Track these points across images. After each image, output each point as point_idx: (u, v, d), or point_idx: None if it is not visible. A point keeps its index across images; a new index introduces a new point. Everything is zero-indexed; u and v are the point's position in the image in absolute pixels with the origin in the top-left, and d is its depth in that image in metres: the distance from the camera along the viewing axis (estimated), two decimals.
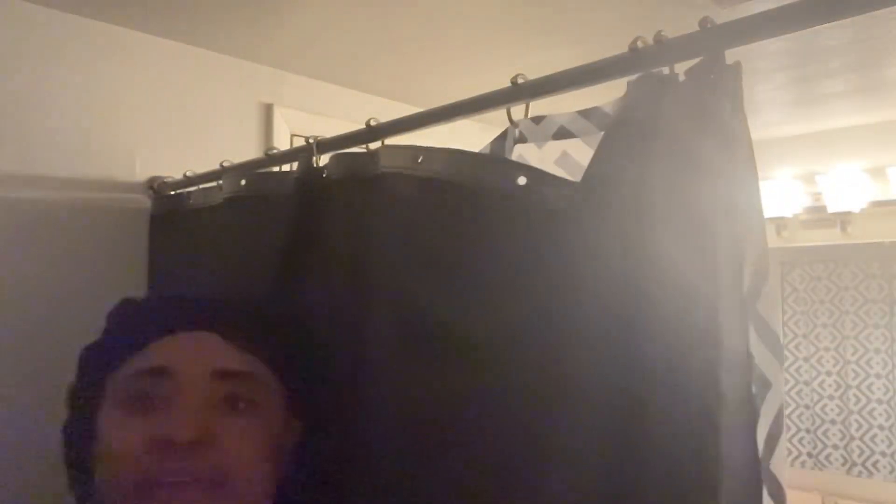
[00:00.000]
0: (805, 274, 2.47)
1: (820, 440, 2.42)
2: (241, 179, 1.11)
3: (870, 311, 2.33)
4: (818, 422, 2.42)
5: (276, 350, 0.76)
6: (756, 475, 0.61)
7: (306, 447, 0.79)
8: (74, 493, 0.79)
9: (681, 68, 0.68)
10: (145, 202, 1.36)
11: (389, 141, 0.97)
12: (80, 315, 1.26)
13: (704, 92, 0.64)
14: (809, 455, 2.43)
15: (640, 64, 0.71)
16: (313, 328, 0.88)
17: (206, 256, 1.17)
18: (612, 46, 0.75)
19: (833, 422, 2.39)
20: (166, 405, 0.68)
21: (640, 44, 0.71)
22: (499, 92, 0.87)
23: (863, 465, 2.33)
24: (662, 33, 0.69)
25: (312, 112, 1.66)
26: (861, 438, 2.33)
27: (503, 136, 1.05)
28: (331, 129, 1.11)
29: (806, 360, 2.46)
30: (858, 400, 2.35)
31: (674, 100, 0.65)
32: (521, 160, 1.04)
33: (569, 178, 0.77)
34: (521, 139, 1.04)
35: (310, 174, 1.01)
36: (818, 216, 2.43)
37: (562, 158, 1.01)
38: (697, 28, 0.66)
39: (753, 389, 0.62)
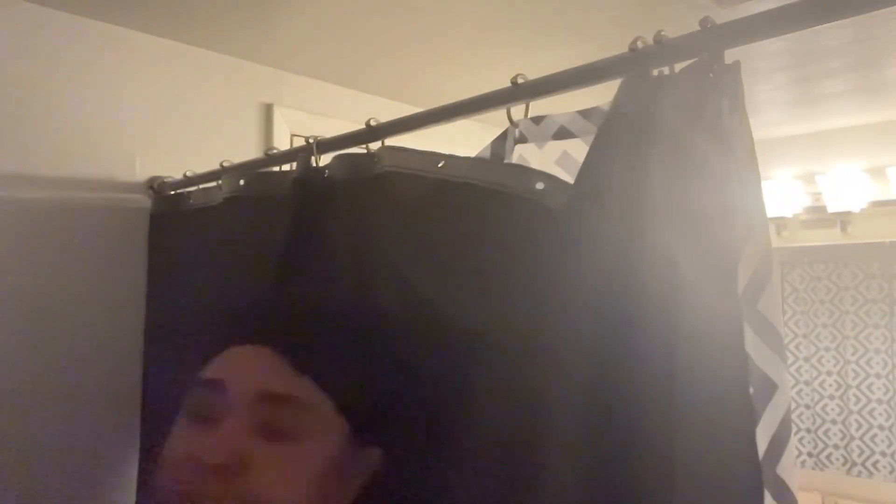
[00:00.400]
0: (805, 274, 2.47)
1: (820, 440, 2.42)
2: (240, 179, 1.11)
3: (870, 311, 2.33)
4: (818, 422, 2.42)
5: (336, 369, 0.69)
6: (756, 479, 0.59)
7: (382, 479, 0.71)
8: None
9: (681, 68, 0.68)
10: (145, 202, 1.36)
11: (389, 141, 0.97)
12: (80, 315, 1.27)
13: (702, 90, 0.64)
14: (810, 455, 2.43)
15: (640, 64, 0.71)
16: (387, 346, 0.79)
17: (206, 256, 1.17)
18: (612, 46, 0.75)
19: (833, 422, 2.39)
20: (214, 421, 0.66)
21: (640, 44, 0.71)
22: (499, 92, 0.87)
23: (863, 465, 2.33)
24: (662, 33, 0.69)
25: (312, 112, 1.66)
26: (861, 438, 2.33)
27: (503, 136, 1.06)
28: (331, 129, 1.11)
29: (806, 360, 2.45)
30: (858, 400, 2.34)
31: (669, 98, 0.65)
32: (521, 160, 1.04)
33: (569, 178, 0.77)
34: (522, 139, 1.05)
35: (310, 174, 1.01)
36: (818, 216, 2.43)
37: (562, 158, 1.01)
38: (697, 28, 0.66)
39: (751, 390, 0.62)
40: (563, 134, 1.01)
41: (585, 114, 0.97)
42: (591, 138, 0.81)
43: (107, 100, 1.33)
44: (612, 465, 0.63)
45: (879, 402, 2.30)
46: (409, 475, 0.73)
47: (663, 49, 0.69)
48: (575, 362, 0.67)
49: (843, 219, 2.38)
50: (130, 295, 1.31)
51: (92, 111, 1.31)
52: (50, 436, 1.21)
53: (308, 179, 1.01)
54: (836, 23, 0.59)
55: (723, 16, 0.71)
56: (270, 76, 1.60)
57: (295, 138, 1.61)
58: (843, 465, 2.36)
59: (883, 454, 2.29)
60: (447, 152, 0.85)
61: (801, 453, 2.45)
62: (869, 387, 2.33)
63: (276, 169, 1.14)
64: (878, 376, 2.31)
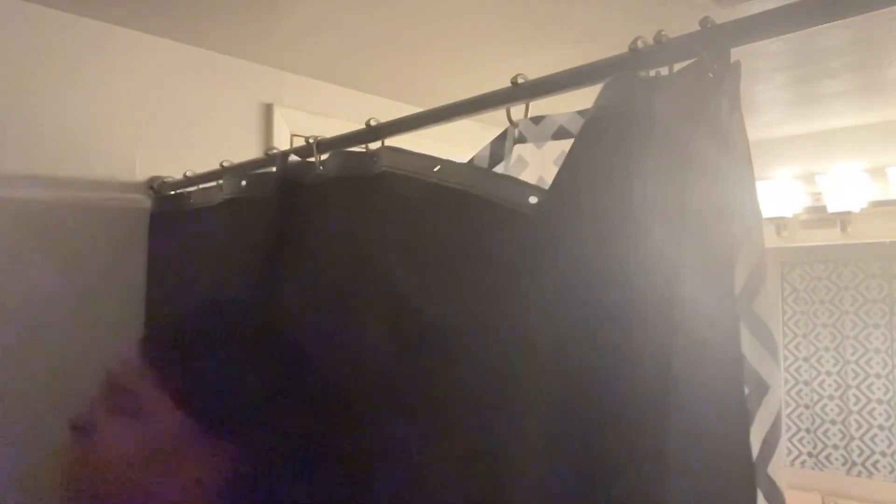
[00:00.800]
0: (805, 274, 2.47)
1: (820, 440, 2.42)
2: (240, 180, 1.12)
3: (870, 311, 2.33)
4: (818, 422, 2.42)
5: (178, 372, 0.85)
6: (749, 480, 0.60)
7: (243, 469, 0.83)
8: None
9: (680, 68, 0.68)
10: (145, 202, 1.36)
11: (389, 141, 0.97)
12: (80, 314, 1.27)
13: (702, 90, 0.64)
14: (809, 455, 2.43)
15: (640, 64, 0.71)
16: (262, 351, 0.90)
17: (206, 256, 1.17)
18: (612, 46, 0.75)
19: (833, 422, 2.39)
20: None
21: (640, 44, 0.71)
22: (499, 92, 0.87)
23: (863, 465, 2.33)
24: (662, 33, 0.69)
25: (312, 112, 1.66)
26: (861, 438, 2.33)
27: (503, 136, 1.06)
28: (331, 129, 1.11)
29: (806, 359, 2.45)
30: (858, 400, 2.34)
31: (664, 97, 0.65)
32: (520, 160, 1.04)
33: None
34: (521, 139, 1.05)
35: (291, 173, 1.02)
36: (818, 216, 2.43)
37: (561, 158, 1.01)
38: (697, 28, 0.66)
39: (746, 390, 0.62)
40: (562, 134, 1.01)
41: (585, 114, 0.97)
42: None
43: (107, 100, 1.33)
44: (604, 466, 0.63)
45: (879, 402, 2.30)
46: (268, 471, 0.84)
47: (663, 49, 0.69)
48: (562, 364, 0.67)
49: (843, 219, 2.38)
50: (130, 295, 1.31)
51: (92, 111, 1.31)
52: (49, 436, 1.21)
53: (289, 178, 1.02)
54: (836, 23, 0.59)
55: (723, 16, 0.71)
56: (270, 76, 1.60)
57: (295, 138, 1.61)
58: (843, 465, 2.36)
59: (883, 454, 2.29)
60: (447, 152, 0.86)
61: (800, 453, 2.45)
62: (869, 387, 2.33)
63: (275, 169, 1.14)
64: (877, 376, 2.31)
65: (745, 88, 0.64)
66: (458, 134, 1.43)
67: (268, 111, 1.58)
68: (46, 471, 1.20)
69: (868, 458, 2.32)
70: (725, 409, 0.60)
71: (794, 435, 2.46)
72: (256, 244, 1.05)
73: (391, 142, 0.96)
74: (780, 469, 0.62)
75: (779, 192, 2.44)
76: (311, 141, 1.04)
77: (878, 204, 2.31)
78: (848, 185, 2.32)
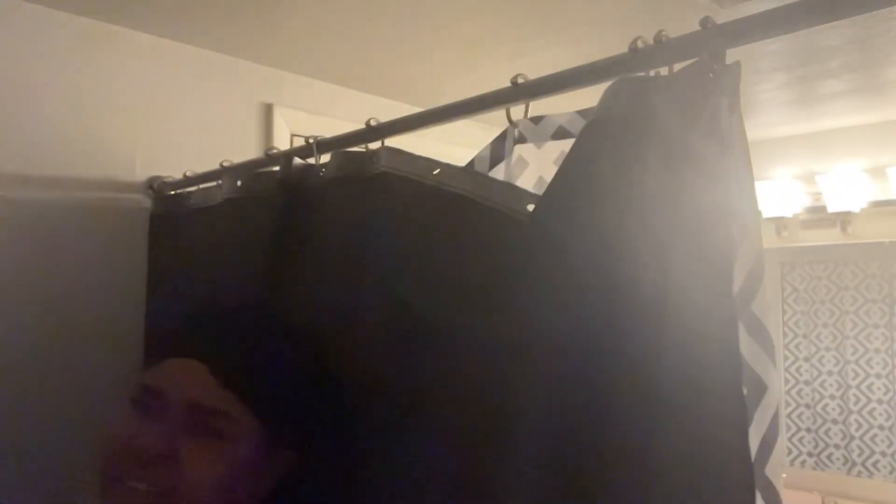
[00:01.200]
0: (805, 274, 2.47)
1: (821, 440, 2.42)
2: (240, 180, 1.11)
3: (870, 311, 2.33)
4: (819, 421, 2.42)
5: (254, 386, 0.81)
6: (748, 480, 0.60)
7: (296, 477, 0.84)
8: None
9: (680, 68, 0.68)
10: (145, 202, 1.36)
11: (389, 141, 0.97)
12: (79, 314, 1.27)
13: (702, 90, 0.64)
14: (810, 455, 2.43)
15: (640, 64, 0.71)
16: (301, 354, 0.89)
17: (206, 256, 1.17)
18: (612, 46, 0.75)
19: (834, 421, 2.39)
20: (152, 420, 0.78)
21: (640, 44, 0.71)
22: (499, 92, 0.87)
23: (863, 464, 2.33)
24: (662, 33, 0.69)
25: (312, 112, 1.66)
26: (861, 438, 2.33)
27: (503, 136, 1.06)
28: (331, 129, 1.11)
29: (806, 359, 2.46)
30: (858, 400, 2.35)
31: (664, 97, 0.65)
32: (520, 161, 1.04)
33: None
34: (521, 139, 1.05)
35: (296, 174, 1.02)
36: (818, 216, 2.43)
37: (561, 158, 1.01)
38: (697, 28, 0.66)
39: (745, 391, 0.62)
40: (562, 134, 1.01)
41: (585, 114, 0.97)
42: None
43: (107, 100, 1.33)
44: (601, 467, 0.63)
45: (879, 402, 2.30)
46: (317, 474, 0.86)
47: (663, 49, 0.69)
48: (559, 368, 0.66)
49: (843, 219, 2.38)
50: (130, 295, 1.31)
51: (92, 111, 1.31)
52: (49, 435, 1.21)
53: (292, 179, 1.02)
54: (836, 23, 0.59)
55: (723, 16, 0.71)
56: (270, 76, 1.60)
57: (295, 138, 1.61)
58: (844, 464, 2.36)
59: (883, 454, 2.29)
60: (447, 152, 0.86)
61: (801, 453, 2.45)
62: (869, 387, 2.33)
63: (276, 169, 1.14)
64: (878, 376, 2.31)
65: (745, 88, 0.64)
66: (458, 134, 1.43)
67: (268, 111, 1.58)
68: (46, 469, 1.20)
69: (868, 457, 2.32)
70: (725, 411, 0.60)
71: (794, 434, 2.46)
72: (257, 244, 1.05)
73: (391, 142, 0.96)
74: (778, 469, 0.62)
75: (779, 192, 2.44)
76: (311, 141, 1.04)
77: (878, 204, 2.31)
78: (848, 185, 2.32)
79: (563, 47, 1.49)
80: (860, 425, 2.34)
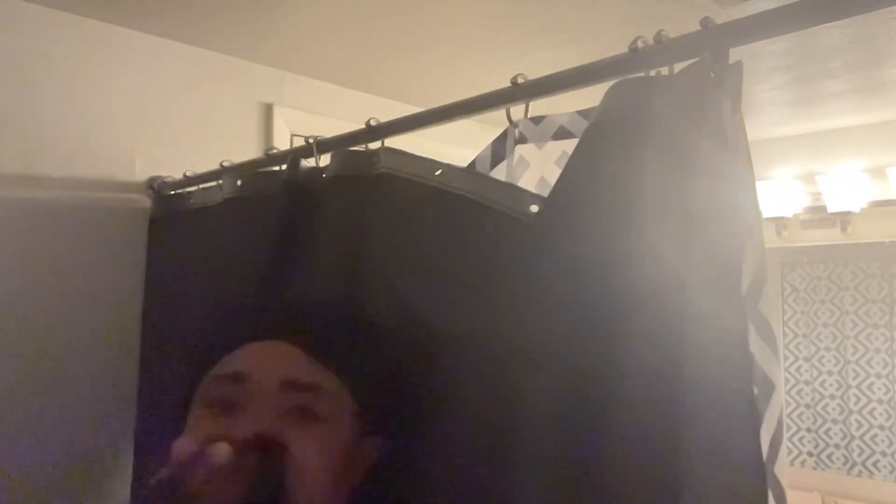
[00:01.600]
0: (805, 274, 2.47)
1: (821, 439, 2.42)
2: (240, 179, 1.11)
3: (870, 311, 2.33)
4: (819, 421, 2.42)
5: (352, 364, 0.75)
6: (761, 479, 0.60)
7: (384, 466, 0.77)
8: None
9: (681, 68, 0.68)
10: (145, 202, 1.36)
11: (389, 141, 0.97)
12: (79, 314, 1.27)
13: (703, 90, 0.64)
14: (810, 454, 2.43)
15: (640, 64, 0.71)
16: (390, 342, 0.84)
17: (206, 256, 1.17)
18: (612, 46, 0.75)
19: (834, 421, 2.39)
20: (241, 409, 0.69)
21: (640, 44, 0.71)
22: (499, 92, 0.87)
23: (863, 464, 2.33)
24: (663, 33, 0.69)
25: (312, 112, 1.66)
26: (861, 438, 2.33)
27: (503, 136, 1.05)
28: (331, 129, 1.11)
29: (807, 359, 2.45)
30: (859, 400, 2.35)
31: (665, 98, 0.65)
32: (521, 161, 1.04)
33: None
34: (522, 139, 1.04)
35: (301, 174, 1.02)
36: (818, 216, 2.43)
37: (562, 158, 1.01)
38: (698, 28, 0.66)
39: (756, 390, 0.62)
40: (562, 134, 1.01)
41: (585, 114, 0.97)
42: None
43: (107, 99, 1.33)
44: (614, 473, 0.63)
45: (880, 401, 2.30)
46: (405, 462, 0.78)
47: (663, 49, 0.69)
48: (567, 368, 0.66)
49: (843, 219, 2.38)
50: (129, 295, 1.31)
51: (92, 111, 1.31)
52: (47, 434, 1.21)
53: (297, 179, 1.01)
54: (836, 23, 0.59)
55: (723, 16, 0.71)
56: (270, 76, 1.60)
57: (295, 138, 1.61)
58: (844, 464, 2.36)
59: (883, 454, 2.29)
60: (448, 152, 0.86)
61: (801, 453, 2.45)
62: (869, 387, 2.33)
63: (277, 169, 1.14)
64: (878, 376, 2.31)
65: (746, 88, 0.64)
66: (458, 134, 1.43)
67: (268, 111, 1.58)
68: (44, 467, 1.20)
69: (868, 457, 2.32)
70: (736, 411, 0.59)
71: (794, 434, 2.46)
72: (258, 244, 1.05)
73: (391, 142, 0.96)
74: (784, 467, 0.62)
75: (779, 192, 2.44)
76: (311, 141, 1.04)
77: (878, 204, 2.31)
78: (848, 185, 2.32)
79: (563, 47, 1.49)
80: (860, 425, 2.34)
